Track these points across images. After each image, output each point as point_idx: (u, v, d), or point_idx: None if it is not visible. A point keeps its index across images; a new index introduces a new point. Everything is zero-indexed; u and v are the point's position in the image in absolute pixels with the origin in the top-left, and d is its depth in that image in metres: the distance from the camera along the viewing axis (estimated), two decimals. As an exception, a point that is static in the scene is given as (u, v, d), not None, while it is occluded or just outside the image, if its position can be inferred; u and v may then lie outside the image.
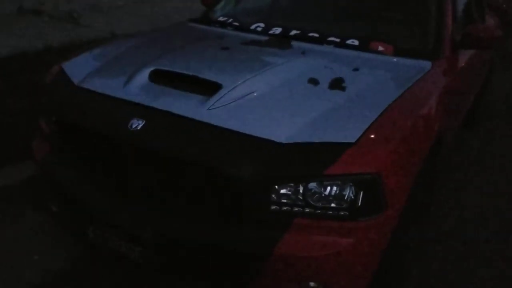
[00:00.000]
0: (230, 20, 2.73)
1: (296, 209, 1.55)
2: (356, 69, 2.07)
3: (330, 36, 2.41)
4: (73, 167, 1.89)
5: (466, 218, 2.73)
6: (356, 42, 2.37)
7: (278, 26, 2.54)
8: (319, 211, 1.54)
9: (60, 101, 1.95)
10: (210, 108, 1.69)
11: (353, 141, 1.55)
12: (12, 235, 2.28)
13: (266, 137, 1.58)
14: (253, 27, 2.58)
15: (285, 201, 1.55)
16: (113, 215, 1.71)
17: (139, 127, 1.65)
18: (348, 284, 1.65)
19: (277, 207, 1.55)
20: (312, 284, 1.61)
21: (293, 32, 2.47)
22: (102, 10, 6.43)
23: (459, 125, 3.12)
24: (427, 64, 2.20)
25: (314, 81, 1.91)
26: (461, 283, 2.18)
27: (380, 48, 2.32)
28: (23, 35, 4.95)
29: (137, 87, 1.85)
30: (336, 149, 1.54)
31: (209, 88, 1.76)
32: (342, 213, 1.54)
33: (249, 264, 1.58)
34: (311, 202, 1.54)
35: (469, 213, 2.79)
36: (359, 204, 1.54)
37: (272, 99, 1.77)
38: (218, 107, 1.69)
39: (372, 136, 1.59)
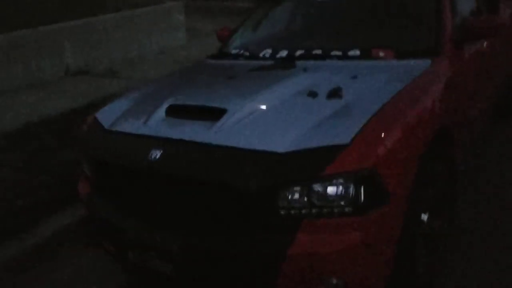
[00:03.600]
0: (242, 51, 2.96)
1: (303, 211, 1.67)
2: (354, 77, 2.19)
3: (333, 51, 2.56)
4: (111, 201, 2.13)
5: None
6: (358, 52, 2.50)
7: (285, 49, 2.73)
8: (325, 210, 1.66)
9: (93, 144, 2.23)
10: (217, 131, 1.88)
11: (347, 142, 1.68)
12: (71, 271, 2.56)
13: (268, 150, 1.74)
14: (261, 54, 2.78)
15: (292, 205, 1.68)
16: (145, 237, 1.92)
17: (158, 157, 1.87)
18: (367, 277, 1.74)
19: (286, 211, 1.68)
20: (334, 280, 1.71)
21: (298, 53, 2.65)
22: (140, 62, 6.97)
23: (485, 115, 3.10)
24: (426, 63, 2.29)
25: (313, 94, 2.06)
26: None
27: (381, 54, 2.44)
28: (71, 95, 5.48)
29: (155, 123, 2.08)
30: (333, 151, 1.67)
31: (216, 114, 1.96)
32: (347, 209, 1.65)
33: (268, 266, 1.71)
34: (316, 202, 1.66)
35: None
36: (362, 199, 1.64)
37: (273, 115, 1.93)
38: (224, 129, 1.88)
39: (365, 135, 1.71)
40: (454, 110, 2.26)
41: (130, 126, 2.17)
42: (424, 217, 1.97)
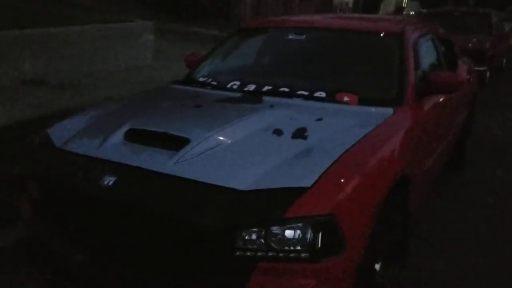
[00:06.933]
0: (210, 80, 2.92)
1: (259, 253, 1.62)
2: (319, 119, 2.20)
3: (299, 90, 2.57)
4: (55, 227, 1.98)
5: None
6: (323, 94, 2.53)
7: (253, 83, 2.72)
8: (282, 254, 1.61)
9: (41, 163, 2.09)
10: (177, 161, 1.80)
11: (309, 185, 1.65)
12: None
13: (228, 186, 1.68)
14: (229, 85, 2.76)
15: (249, 246, 1.62)
16: (89, 270, 1.78)
17: (110, 183, 1.76)
18: None
19: (242, 252, 1.62)
20: None
21: (266, 88, 2.64)
22: (102, 77, 6.79)
23: (439, 165, 3.18)
24: (389, 111, 2.34)
25: (278, 132, 2.04)
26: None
27: (346, 99, 2.48)
28: (24, 105, 5.21)
29: (112, 146, 1.98)
30: (294, 193, 1.64)
31: (178, 143, 1.89)
32: (303, 255, 1.61)
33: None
34: (274, 245, 1.61)
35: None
36: (319, 245, 1.61)
37: (237, 150, 1.89)
38: (185, 160, 1.81)
39: (327, 180, 1.69)
40: (412, 160, 2.30)
41: (84, 147, 2.05)
42: (377, 266, 1.96)
